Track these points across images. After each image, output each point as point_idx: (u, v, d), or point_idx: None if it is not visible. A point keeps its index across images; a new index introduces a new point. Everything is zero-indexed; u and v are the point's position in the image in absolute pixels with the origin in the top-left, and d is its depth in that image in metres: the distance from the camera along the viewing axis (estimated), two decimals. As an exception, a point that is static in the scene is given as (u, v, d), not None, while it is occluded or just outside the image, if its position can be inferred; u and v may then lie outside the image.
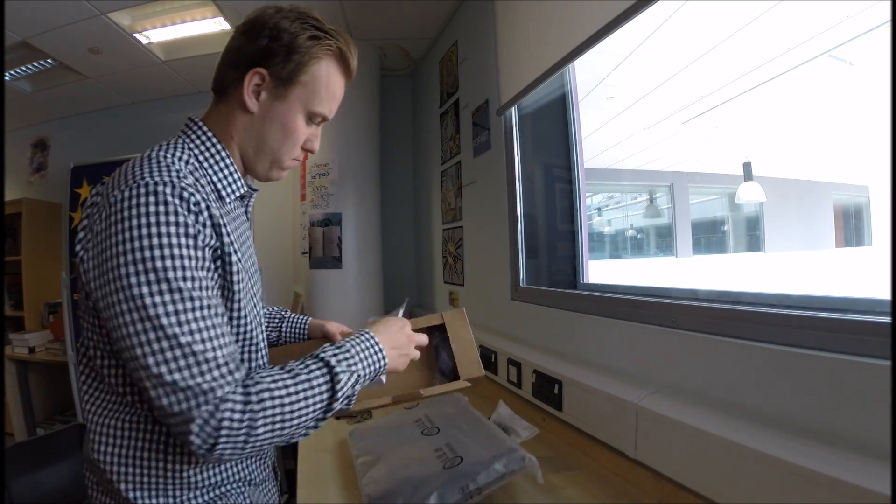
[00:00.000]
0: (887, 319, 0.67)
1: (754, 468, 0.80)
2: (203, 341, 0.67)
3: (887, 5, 0.77)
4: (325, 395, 0.76)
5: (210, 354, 0.67)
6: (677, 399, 1.07)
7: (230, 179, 0.87)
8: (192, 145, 0.85)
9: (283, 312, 1.27)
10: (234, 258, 0.79)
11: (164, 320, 0.65)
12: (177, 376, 0.65)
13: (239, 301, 0.81)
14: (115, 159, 2.82)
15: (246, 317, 0.83)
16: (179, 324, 0.66)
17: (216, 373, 0.67)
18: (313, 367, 0.77)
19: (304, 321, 1.25)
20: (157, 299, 0.66)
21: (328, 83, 0.88)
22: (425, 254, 3.09)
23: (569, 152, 1.94)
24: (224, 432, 0.65)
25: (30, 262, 3.52)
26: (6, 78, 3.04)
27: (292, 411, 0.71)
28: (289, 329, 1.24)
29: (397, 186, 3.33)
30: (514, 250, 1.92)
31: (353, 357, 0.81)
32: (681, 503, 0.99)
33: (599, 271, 1.99)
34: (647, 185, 3.11)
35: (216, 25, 2.68)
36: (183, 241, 0.69)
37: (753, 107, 2.03)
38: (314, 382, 0.75)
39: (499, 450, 1.16)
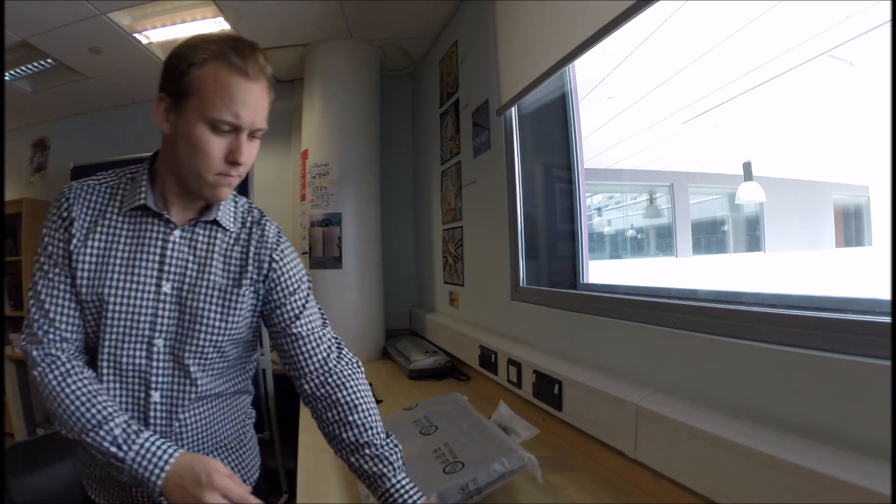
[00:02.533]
0: (887, 319, 0.67)
1: (754, 468, 0.80)
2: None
3: (887, 5, 0.77)
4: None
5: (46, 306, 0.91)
6: (677, 399, 1.07)
7: (128, 197, 0.96)
8: (133, 170, 1.00)
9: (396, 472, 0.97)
10: (76, 255, 0.92)
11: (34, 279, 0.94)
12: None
13: (79, 287, 0.92)
14: (115, 159, 2.82)
15: (85, 302, 0.92)
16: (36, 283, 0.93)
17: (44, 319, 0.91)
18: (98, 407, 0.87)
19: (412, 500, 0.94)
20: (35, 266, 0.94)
21: (217, 86, 0.86)
22: (425, 254, 3.10)
23: (569, 152, 1.94)
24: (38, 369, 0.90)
25: (30, 262, 3.50)
26: (6, 78, 3.04)
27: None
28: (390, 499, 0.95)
29: (397, 186, 3.33)
30: (513, 250, 1.92)
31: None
32: (681, 503, 0.99)
33: (599, 271, 1.99)
34: (647, 186, 3.11)
35: (216, 25, 2.68)
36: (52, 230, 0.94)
37: (753, 107, 2.03)
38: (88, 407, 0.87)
39: (498, 450, 1.16)
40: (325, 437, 1.04)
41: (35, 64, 2.94)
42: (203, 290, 0.97)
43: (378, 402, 1.96)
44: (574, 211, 1.91)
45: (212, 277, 0.98)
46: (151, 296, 0.94)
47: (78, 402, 0.85)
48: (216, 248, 1.00)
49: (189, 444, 0.99)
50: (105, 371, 0.92)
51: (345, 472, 1.33)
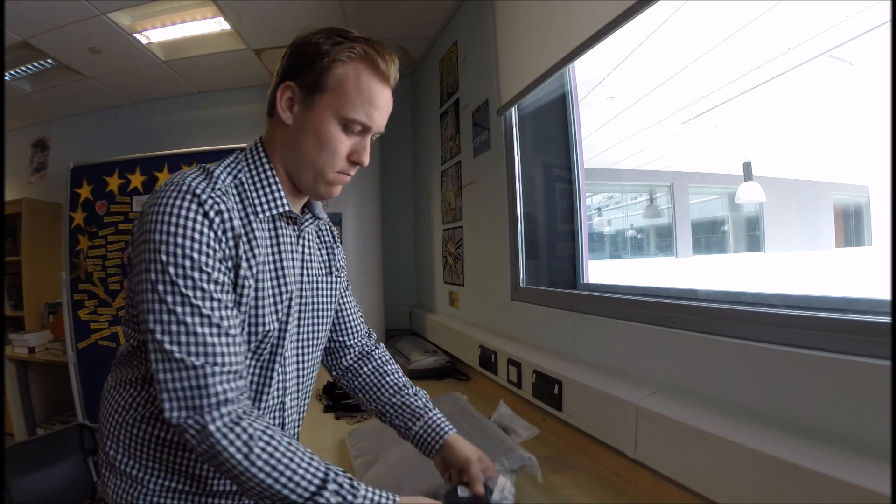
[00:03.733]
0: (887, 319, 0.67)
1: (754, 468, 0.80)
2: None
3: (887, 5, 0.77)
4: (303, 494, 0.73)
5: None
6: (677, 399, 1.07)
7: (267, 198, 0.86)
8: (242, 162, 0.89)
9: (424, 409, 1.11)
10: (243, 272, 0.81)
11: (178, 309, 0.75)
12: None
13: (246, 308, 0.83)
14: (115, 159, 2.82)
15: (251, 327, 0.84)
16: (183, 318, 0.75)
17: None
18: (312, 469, 0.75)
19: (442, 431, 1.05)
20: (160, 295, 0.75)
21: (358, 87, 0.85)
22: (425, 254, 3.09)
23: (569, 152, 1.95)
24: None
25: (30, 262, 3.51)
26: (6, 78, 3.04)
27: (274, 473, 0.73)
28: (422, 432, 1.07)
29: (397, 186, 3.33)
30: (514, 250, 1.92)
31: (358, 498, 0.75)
32: (681, 503, 0.99)
33: (599, 271, 1.99)
34: (648, 185, 3.11)
35: (216, 25, 2.68)
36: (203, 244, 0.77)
37: (754, 107, 2.03)
38: (301, 473, 0.74)
39: (499, 449, 1.16)
40: (363, 393, 1.16)
41: (35, 64, 2.94)
42: (323, 288, 1.00)
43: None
44: (574, 211, 1.91)
45: (323, 272, 1.01)
46: (298, 305, 0.93)
47: (289, 472, 0.73)
48: (320, 243, 1.04)
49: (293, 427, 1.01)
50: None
51: None
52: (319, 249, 1.03)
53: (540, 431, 1.28)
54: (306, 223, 0.95)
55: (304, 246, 0.95)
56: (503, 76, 2.01)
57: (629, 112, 2.73)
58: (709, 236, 2.99)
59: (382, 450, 1.32)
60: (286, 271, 0.89)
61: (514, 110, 1.97)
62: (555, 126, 1.96)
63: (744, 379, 0.92)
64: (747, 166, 2.10)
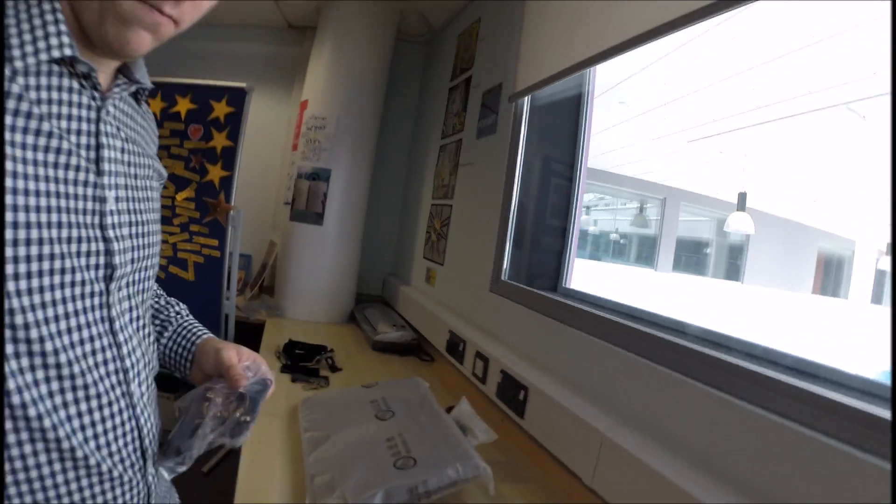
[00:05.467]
0: (887, 414, 0.66)
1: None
2: None
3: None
4: None
5: None
6: (645, 435, 1.07)
7: (34, 34, 0.51)
8: None
9: (175, 316, 0.91)
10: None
11: None
12: None
13: None
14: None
15: None
16: None
17: None
18: None
19: (194, 337, 0.87)
20: None
21: None
22: (409, 225, 3.04)
23: (574, 151, 1.91)
24: None
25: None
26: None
27: None
28: (172, 344, 0.87)
29: (392, 152, 3.24)
30: (500, 241, 1.89)
31: None
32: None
33: (578, 270, 1.97)
34: (640, 195, 3.11)
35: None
36: None
37: (762, 140, 2.02)
38: None
39: (454, 453, 1.14)
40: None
41: None
42: (141, 191, 0.70)
43: (337, 369, 1.94)
44: (569, 210, 1.89)
45: (142, 172, 0.71)
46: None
47: None
48: (139, 129, 0.72)
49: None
50: None
51: (292, 443, 1.32)
52: (138, 134, 0.71)
53: (498, 436, 1.27)
54: (116, 89, 0.63)
55: (107, 125, 0.61)
56: (522, 63, 1.95)
57: (638, 120, 2.70)
58: (691, 256, 3.01)
59: (334, 429, 1.29)
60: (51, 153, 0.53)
61: (526, 99, 1.92)
62: (565, 124, 1.92)
63: (719, 433, 0.91)
64: (742, 196, 2.10)
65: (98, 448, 0.60)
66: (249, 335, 2.36)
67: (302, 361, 1.91)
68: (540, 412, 1.36)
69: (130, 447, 0.65)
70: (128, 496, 0.65)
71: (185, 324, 0.89)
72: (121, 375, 0.63)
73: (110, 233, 0.60)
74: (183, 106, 2.41)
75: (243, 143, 2.40)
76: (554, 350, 1.49)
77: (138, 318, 0.69)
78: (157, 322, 0.88)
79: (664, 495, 0.90)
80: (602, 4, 1.49)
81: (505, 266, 1.87)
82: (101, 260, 0.59)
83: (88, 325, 0.58)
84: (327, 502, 1.01)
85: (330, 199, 2.59)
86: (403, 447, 1.17)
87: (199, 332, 0.88)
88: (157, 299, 0.92)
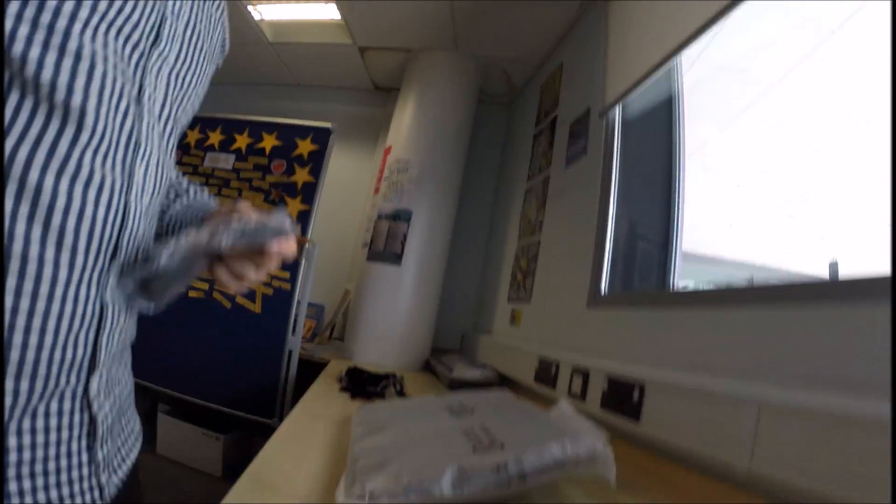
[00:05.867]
0: None
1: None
2: None
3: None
4: None
5: None
6: (809, 389, 0.81)
7: None
8: None
9: (188, 188, 0.82)
10: None
11: None
12: None
13: None
14: (199, 115, 2.84)
15: None
16: None
17: None
18: None
19: (206, 206, 0.79)
20: None
21: None
22: (492, 273, 2.86)
23: (670, 149, 1.76)
24: None
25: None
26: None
27: None
28: (179, 214, 0.77)
29: (475, 206, 3.16)
30: (598, 254, 1.69)
31: None
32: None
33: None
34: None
35: (327, 13, 2.71)
36: None
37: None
38: None
39: (558, 432, 0.86)
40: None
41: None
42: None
43: (406, 396, 1.71)
44: (670, 221, 1.69)
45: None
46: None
47: None
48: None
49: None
50: None
51: (340, 444, 1.08)
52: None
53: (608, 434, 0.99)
54: None
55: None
56: (609, 79, 1.87)
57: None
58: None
59: (392, 422, 1.03)
60: None
61: (617, 109, 1.81)
62: (658, 126, 1.80)
63: None
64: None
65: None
66: (313, 374, 2.19)
67: (367, 385, 1.70)
68: (661, 408, 1.08)
69: None
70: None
71: (199, 197, 0.80)
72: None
73: None
74: (268, 142, 2.47)
75: (324, 183, 2.40)
76: (666, 340, 1.24)
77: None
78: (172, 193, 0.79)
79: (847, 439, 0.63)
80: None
81: (604, 280, 1.66)
82: None
83: None
84: (372, 483, 0.73)
85: (410, 239, 2.49)
86: (485, 435, 0.87)
87: (213, 204, 0.79)
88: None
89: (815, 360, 0.86)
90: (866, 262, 0.98)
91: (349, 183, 3.32)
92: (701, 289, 1.23)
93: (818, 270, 1.29)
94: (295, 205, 2.36)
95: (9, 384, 0.45)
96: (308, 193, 2.37)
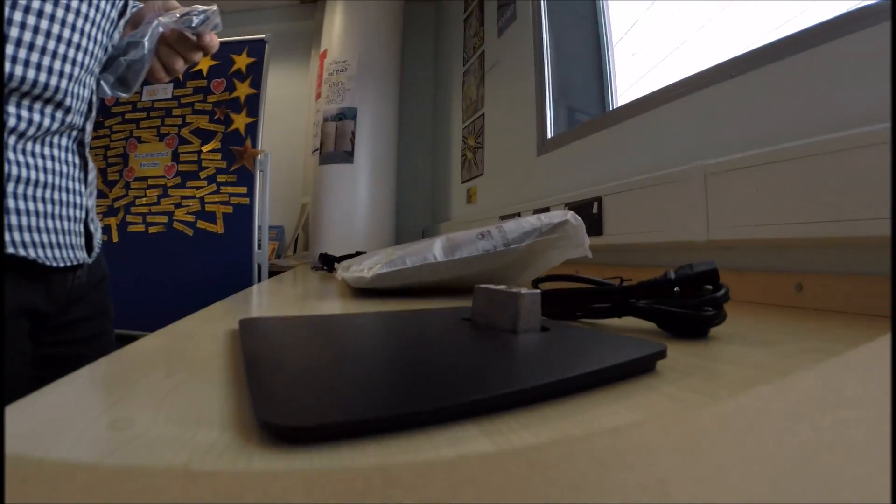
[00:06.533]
0: None
1: None
2: None
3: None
4: None
5: None
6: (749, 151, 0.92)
7: None
8: None
9: None
10: None
11: None
12: None
13: None
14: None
15: None
16: None
17: None
18: None
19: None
20: None
21: None
22: (442, 161, 2.92)
23: None
24: None
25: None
26: None
27: None
28: None
29: (418, 96, 3.18)
30: (540, 103, 1.76)
31: None
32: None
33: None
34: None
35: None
36: None
37: None
38: None
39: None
40: None
41: None
42: None
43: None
44: (601, 52, 1.76)
45: None
46: None
47: None
48: None
49: None
50: None
51: None
52: None
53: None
54: None
55: None
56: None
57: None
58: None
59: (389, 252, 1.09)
60: None
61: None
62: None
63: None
64: None
65: None
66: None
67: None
68: (619, 213, 1.19)
69: None
70: None
71: None
72: None
73: None
74: (204, 63, 2.40)
75: (266, 97, 2.36)
76: (615, 156, 1.34)
77: None
78: None
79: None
80: None
81: (549, 123, 1.74)
82: None
83: None
84: (369, 262, 0.84)
85: (358, 136, 2.51)
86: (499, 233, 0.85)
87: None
88: None
89: (741, 124, 0.96)
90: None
91: (291, 99, 3.28)
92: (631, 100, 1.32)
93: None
94: (241, 119, 2.33)
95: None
96: (252, 106, 2.34)
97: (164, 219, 2.37)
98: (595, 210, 1.27)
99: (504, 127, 2.08)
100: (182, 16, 0.68)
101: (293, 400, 0.22)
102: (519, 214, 1.67)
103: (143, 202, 2.39)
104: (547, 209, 1.50)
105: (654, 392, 0.28)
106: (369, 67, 2.60)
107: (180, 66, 0.74)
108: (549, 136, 1.72)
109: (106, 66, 0.65)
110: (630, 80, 1.64)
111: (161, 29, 0.66)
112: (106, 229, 2.39)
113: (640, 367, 0.33)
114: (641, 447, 0.16)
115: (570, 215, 0.87)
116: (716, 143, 1.01)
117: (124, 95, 0.67)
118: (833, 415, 0.18)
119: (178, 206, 2.35)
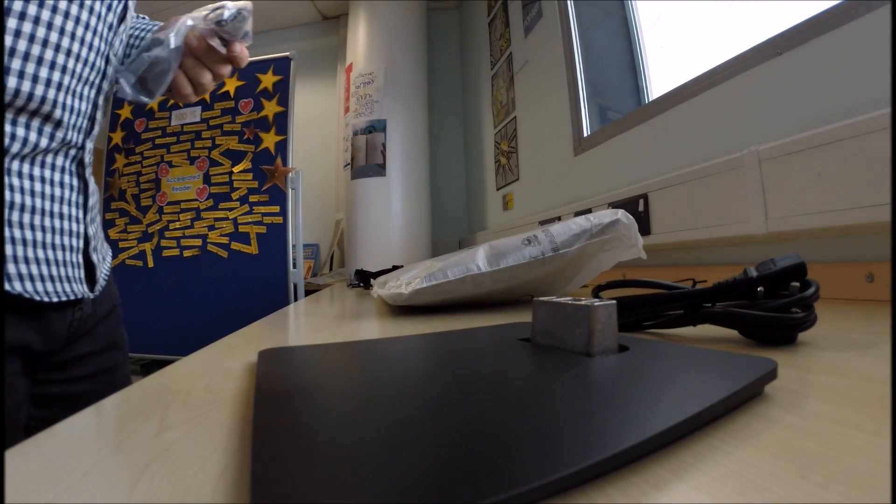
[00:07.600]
0: None
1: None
2: None
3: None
4: None
5: None
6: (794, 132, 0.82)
7: None
8: None
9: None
10: None
11: None
12: None
13: None
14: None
15: None
16: None
17: None
18: None
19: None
20: None
21: None
22: (476, 169, 2.86)
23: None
24: None
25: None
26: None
27: None
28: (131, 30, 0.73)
29: (447, 105, 3.14)
30: (574, 100, 1.68)
31: None
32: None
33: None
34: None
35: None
36: None
37: None
38: None
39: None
40: None
41: None
42: None
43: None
44: (633, 47, 1.68)
45: None
46: None
47: None
48: None
49: None
50: None
51: None
52: None
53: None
54: None
55: None
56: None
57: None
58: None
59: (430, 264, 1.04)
60: None
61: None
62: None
63: None
64: None
65: None
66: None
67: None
68: (668, 209, 1.11)
69: None
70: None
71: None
72: None
73: None
74: (231, 85, 2.40)
75: (294, 113, 2.34)
76: (657, 149, 1.25)
77: None
78: None
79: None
80: None
81: (584, 122, 1.66)
82: None
83: None
84: (406, 277, 0.77)
85: (389, 148, 2.47)
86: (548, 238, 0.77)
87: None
88: None
89: (793, 104, 0.87)
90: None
91: (320, 115, 3.28)
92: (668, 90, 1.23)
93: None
94: (270, 137, 2.32)
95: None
96: (281, 124, 2.32)
97: (199, 241, 2.36)
98: (641, 208, 1.19)
99: (538, 128, 2.01)
100: (213, 10, 0.62)
101: (306, 490, 0.15)
102: (559, 218, 1.59)
103: (177, 226, 2.39)
104: (589, 210, 1.42)
105: (777, 425, 0.21)
106: (396, 78, 2.56)
107: (208, 80, 0.68)
108: (585, 135, 1.64)
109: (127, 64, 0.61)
110: (662, 72, 1.55)
111: (190, 23, 0.61)
112: (141, 255, 2.40)
113: (751, 393, 0.26)
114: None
115: (621, 213, 0.80)
116: (767, 127, 0.92)
117: (146, 101, 0.62)
118: None
119: (211, 228, 2.35)
